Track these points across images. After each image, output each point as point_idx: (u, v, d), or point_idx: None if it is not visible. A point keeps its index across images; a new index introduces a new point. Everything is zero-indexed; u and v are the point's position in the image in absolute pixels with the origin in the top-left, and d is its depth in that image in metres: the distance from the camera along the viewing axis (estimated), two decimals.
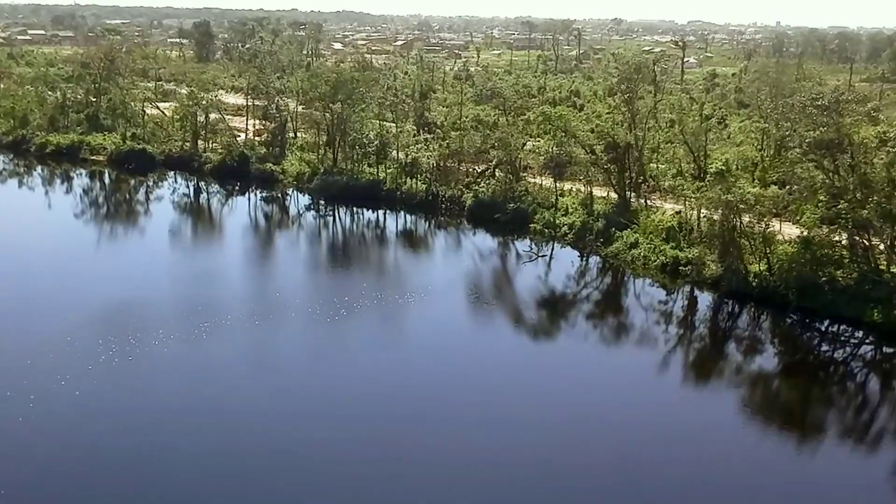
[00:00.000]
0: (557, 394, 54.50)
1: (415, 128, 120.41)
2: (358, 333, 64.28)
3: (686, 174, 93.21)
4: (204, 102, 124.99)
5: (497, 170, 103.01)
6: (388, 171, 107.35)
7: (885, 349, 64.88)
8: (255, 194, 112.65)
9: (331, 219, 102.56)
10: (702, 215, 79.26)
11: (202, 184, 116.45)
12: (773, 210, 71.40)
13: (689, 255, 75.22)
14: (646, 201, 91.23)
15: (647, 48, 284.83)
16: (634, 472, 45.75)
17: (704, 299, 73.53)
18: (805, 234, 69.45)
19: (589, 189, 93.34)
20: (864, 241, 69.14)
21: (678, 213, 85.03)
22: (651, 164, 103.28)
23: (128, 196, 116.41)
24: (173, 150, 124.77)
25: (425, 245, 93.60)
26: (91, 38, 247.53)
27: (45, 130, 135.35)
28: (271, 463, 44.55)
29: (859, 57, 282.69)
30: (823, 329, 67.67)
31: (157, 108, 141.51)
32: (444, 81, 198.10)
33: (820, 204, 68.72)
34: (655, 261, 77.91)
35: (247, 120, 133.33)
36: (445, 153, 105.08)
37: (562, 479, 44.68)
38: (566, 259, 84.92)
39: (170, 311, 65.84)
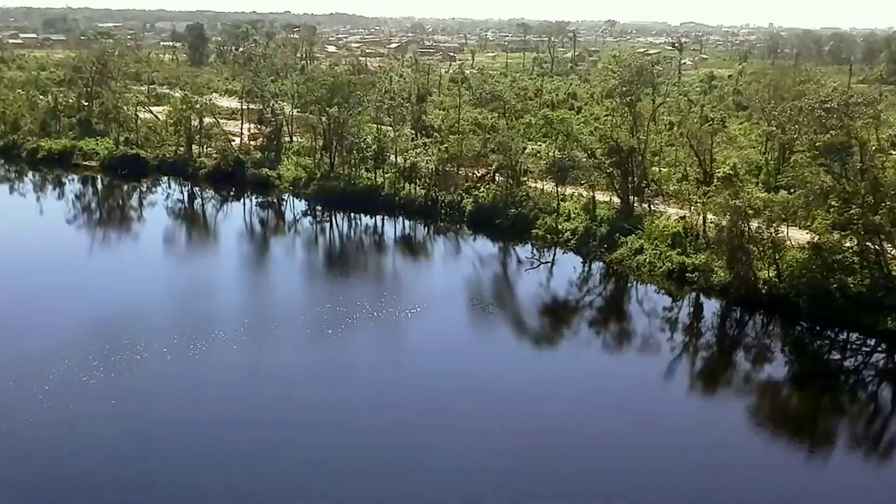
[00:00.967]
0: (564, 404, 53.20)
1: (413, 132, 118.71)
2: (357, 347, 62.17)
3: (692, 178, 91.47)
4: (198, 106, 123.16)
5: (497, 174, 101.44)
6: (387, 175, 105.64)
7: None
8: (251, 200, 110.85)
9: (328, 225, 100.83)
10: (708, 220, 77.85)
11: (196, 189, 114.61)
12: (783, 215, 69.80)
13: (696, 262, 73.69)
14: (649, 206, 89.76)
15: (641, 50, 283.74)
16: (642, 482, 44.77)
17: (712, 307, 71.95)
18: (816, 239, 67.86)
19: (591, 194, 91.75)
20: (876, 247, 67.63)
21: (683, 218, 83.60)
22: (653, 168, 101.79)
23: (121, 202, 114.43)
24: (167, 155, 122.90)
25: (425, 252, 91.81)
26: (83, 42, 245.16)
27: (37, 135, 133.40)
28: (270, 484, 42.99)
29: (854, 58, 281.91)
30: (835, 337, 66.45)
31: (151, 112, 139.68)
32: (440, 84, 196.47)
33: (831, 209, 67.16)
34: (661, 267, 76.34)
35: (241, 124, 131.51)
36: (444, 157, 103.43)
37: (566, 488, 43.83)
38: (569, 265, 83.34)
39: (163, 324, 63.57)
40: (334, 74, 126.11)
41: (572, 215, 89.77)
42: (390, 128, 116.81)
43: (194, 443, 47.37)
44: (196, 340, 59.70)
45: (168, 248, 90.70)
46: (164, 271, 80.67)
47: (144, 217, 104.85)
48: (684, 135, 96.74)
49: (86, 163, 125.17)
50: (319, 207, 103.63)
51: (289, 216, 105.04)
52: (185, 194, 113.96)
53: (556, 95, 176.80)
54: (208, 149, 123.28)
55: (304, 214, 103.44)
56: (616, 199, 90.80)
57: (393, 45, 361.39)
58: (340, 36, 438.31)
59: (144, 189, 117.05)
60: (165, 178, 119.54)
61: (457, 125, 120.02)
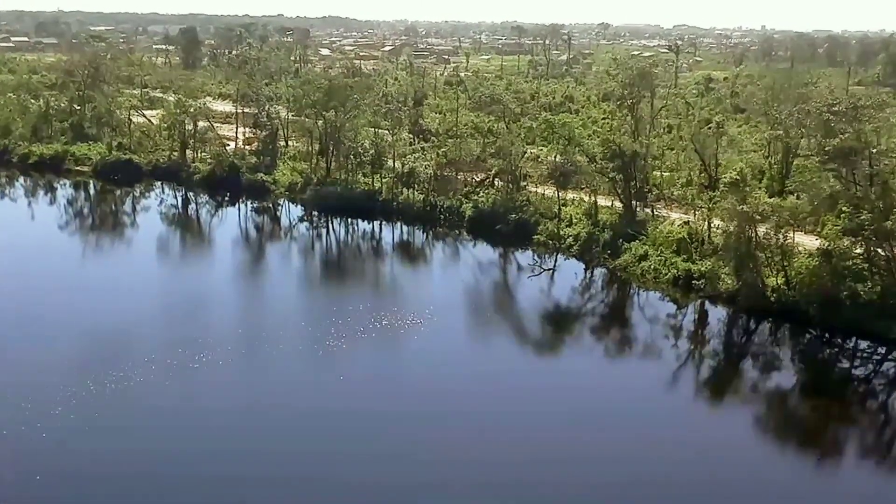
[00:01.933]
0: (570, 414, 52.34)
1: (410, 136, 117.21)
2: (357, 362, 59.96)
3: (696, 183, 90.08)
4: (192, 110, 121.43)
5: (496, 179, 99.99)
6: (384, 180, 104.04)
7: None
8: (246, 205, 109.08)
9: (325, 231, 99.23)
10: (713, 226, 76.50)
11: (191, 195, 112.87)
12: (791, 221, 68.47)
13: (703, 269, 72.30)
14: (652, 211, 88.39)
15: (636, 52, 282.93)
16: (648, 491, 44.27)
17: (719, 314, 70.64)
18: (827, 246, 66.50)
19: (593, 199, 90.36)
20: (887, 254, 66.29)
21: (686, 223, 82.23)
22: (654, 172, 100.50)
23: (114, 208, 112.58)
24: (161, 160, 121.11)
25: (424, 258, 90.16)
26: (75, 45, 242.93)
27: (28, 140, 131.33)
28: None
29: (848, 61, 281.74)
30: (845, 345, 65.28)
31: (144, 116, 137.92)
32: (436, 87, 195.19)
33: (842, 215, 65.81)
34: (667, 274, 74.93)
35: (236, 128, 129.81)
36: (443, 162, 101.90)
37: (572, 498, 43.38)
38: (572, 272, 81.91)
39: (155, 338, 61.46)
40: (330, 78, 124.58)
41: (574, 221, 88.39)
42: (387, 131, 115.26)
43: (186, 464, 45.80)
44: (188, 357, 57.55)
45: (161, 255, 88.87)
46: (157, 280, 78.69)
47: (138, 223, 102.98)
48: (685, 138, 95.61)
49: (78, 168, 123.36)
50: (316, 213, 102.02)
51: (285, 222, 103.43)
52: (179, 200, 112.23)
53: (553, 98, 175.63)
54: (202, 153, 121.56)
55: (301, 220, 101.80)
56: (618, 204, 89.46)
57: (387, 49, 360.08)
58: (334, 39, 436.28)
59: (138, 194, 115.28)
60: (159, 183, 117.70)
61: (454, 128, 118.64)
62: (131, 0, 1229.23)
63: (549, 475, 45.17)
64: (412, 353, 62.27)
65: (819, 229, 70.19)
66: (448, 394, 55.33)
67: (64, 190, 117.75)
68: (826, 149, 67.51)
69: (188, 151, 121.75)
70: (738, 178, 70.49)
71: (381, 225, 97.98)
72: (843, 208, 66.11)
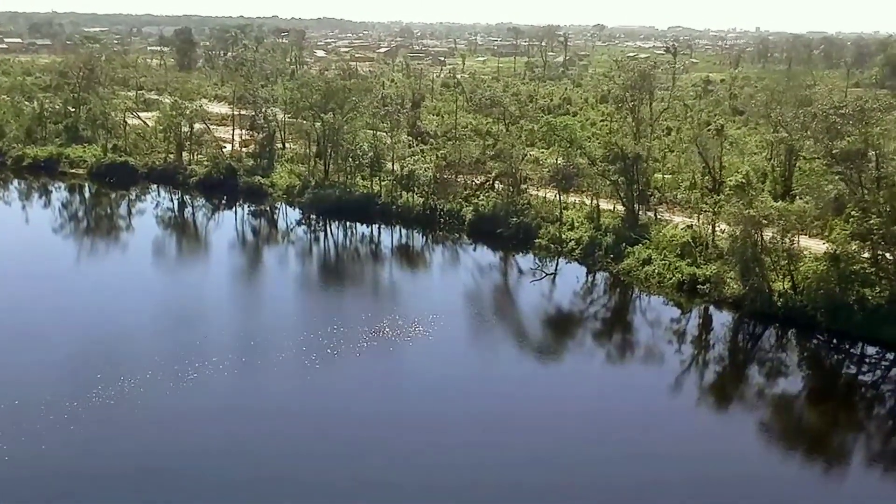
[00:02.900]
0: (574, 421, 51.76)
1: (409, 138, 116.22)
2: (356, 372, 58.50)
3: (700, 186, 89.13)
4: (188, 112, 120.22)
5: (497, 182, 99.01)
6: (383, 183, 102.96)
7: None
8: (243, 209, 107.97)
9: (323, 234, 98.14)
10: (717, 230, 75.62)
11: (187, 198, 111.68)
12: (798, 225, 67.60)
13: (708, 273, 71.39)
14: (655, 214, 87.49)
15: (631, 54, 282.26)
16: (652, 497, 43.97)
17: (725, 319, 69.75)
18: (835, 250, 65.62)
19: (595, 202, 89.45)
20: None
21: (690, 226, 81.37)
22: (656, 175, 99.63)
23: (109, 211, 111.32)
24: (156, 163, 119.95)
25: (424, 263, 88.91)
26: (69, 47, 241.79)
27: (22, 142, 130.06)
28: None
29: (844, 62, 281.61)
30: (853, 351, 64.40)
31: (139, 118, 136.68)
32: (433, 89, 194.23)
33: (851, 219, 64.94)
34: (671, 278, 74.01)
35: (233, 130, 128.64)
36: (442, 164, 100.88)
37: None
38: (575, 276, 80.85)
39: (149, 347, 60.09)
40: (328, 80, 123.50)
41: (576, 224, 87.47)
42: (385, 133, 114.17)
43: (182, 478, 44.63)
44: (184, 367, 56.26)
45: (157, 260, 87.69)
46: (153, 286, 77.27)
47: (133, 227, 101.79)
48: (685, 140, 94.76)
49: (73, 170, 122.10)
50: (314, 216, 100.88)
51: (282, 225, 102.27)
52: (176, 203, 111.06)
53: (551, 100, 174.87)
54: (199, 156, 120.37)
55: (299, 224, 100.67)
56: (620, 208, 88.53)
57: (382, 50, 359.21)
58: (329, 40, 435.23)
59: (133, 198, 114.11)
60: (155, 186, 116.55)
61: (453, 131, 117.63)
62: (125, 1, 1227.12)
63: (551, 480, 44.76)
64: (412, 358, 61.12)
65: (827, 233, 69.30)
66: (449, 398, 54.63)
67: (58, 193, 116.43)
68: (833, 152, 66.59)
69: (184, 154, 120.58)
70: (743, 181, 69.61)
71: (379, 228, 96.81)
72: (852, 212, 65.25)
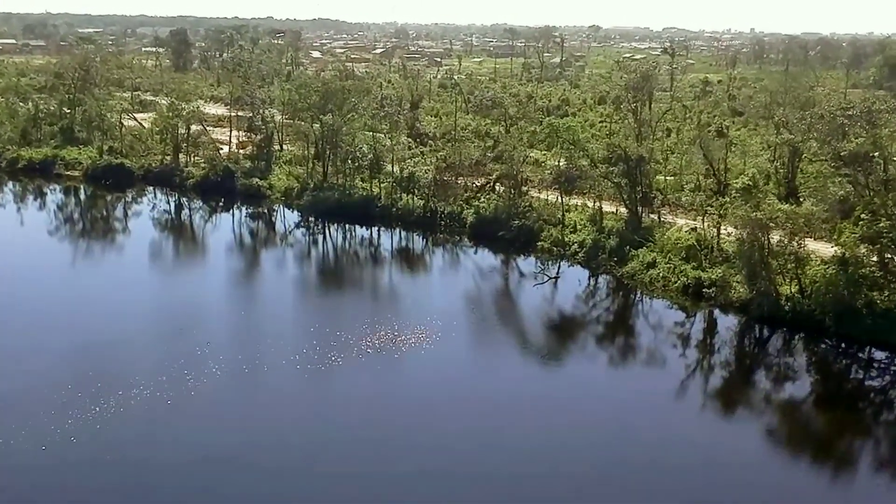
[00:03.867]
0: (576, 424, 51.30)
1: (409, 139, 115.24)
2: (357, 369, 58.02)
3: (705, 188, 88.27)
4: (185, 114, 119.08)
5: (498, 184, 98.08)
6: (383, 185, 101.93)
7: None
8: (241, 211, 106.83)
9: (322, 237, 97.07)
10: (721, 233, 74.77)
11: (184, 200, 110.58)
12: (806, 228, 66.79)
13: (713, 276, 70.54)
14: (658, 217, 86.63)
15: (627, 55, 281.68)
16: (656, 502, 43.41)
17: (731, 323, 68.99)
18: (843, 253, 64.81)
19: (598, 204, 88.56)
20: None
21: (693, 229, 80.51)
22: (658, 177, 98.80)
23: (105, 214, 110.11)
24: (153, 165, 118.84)
25: (425, 266, 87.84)
26: (64, 47, 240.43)
27: (17, 144, 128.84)
28: None
29: (841, 63, 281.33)
30: (861, 356, 63.77)
31: (135, 119, 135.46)
32: (430, 90, 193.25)
33: (860, 222, 64.15)
34: (676, 282, 73.18)
35: (230, 132, 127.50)
36: (442, 166, 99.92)
37: None
38: (578, 280, 79.98)
39: (146, 352, 59.14)
40: (326, 81, 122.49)
41: (578, 227, 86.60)
42: (384, 135, 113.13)
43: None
44: (178, 370, 55.33)
45: (154, 262, 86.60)
46: (150, 290, 76.15)
47: (129, 229, 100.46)
48: (686, 141, 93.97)
49: (68, 172, 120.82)
50: (313, 219, 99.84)
51: (281, 228, 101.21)
52: (172, 205, 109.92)
53: (549, 101, 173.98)
54: (196, 158, 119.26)
55: (297, 226, 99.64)
56: (623, 210, 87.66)
57: (378, 51, 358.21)
58: (324, 41, 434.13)
59: (129, 200, 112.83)
60: (151, 188, 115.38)
61: (452, 132, 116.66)
62: (119, 2, 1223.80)
63: (553, 484, 44.40)
64: (413, 363, 59.96)
65: (835, 237, 68.48)
66: (450, 402, 53.98)
67: (54, 195, 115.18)
68: (841, 153, 65.77)
69: (181, 156, 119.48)
70: (750, 183, 68.76)
71: (379, 231, 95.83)
72: (861, 216, 64.46)
